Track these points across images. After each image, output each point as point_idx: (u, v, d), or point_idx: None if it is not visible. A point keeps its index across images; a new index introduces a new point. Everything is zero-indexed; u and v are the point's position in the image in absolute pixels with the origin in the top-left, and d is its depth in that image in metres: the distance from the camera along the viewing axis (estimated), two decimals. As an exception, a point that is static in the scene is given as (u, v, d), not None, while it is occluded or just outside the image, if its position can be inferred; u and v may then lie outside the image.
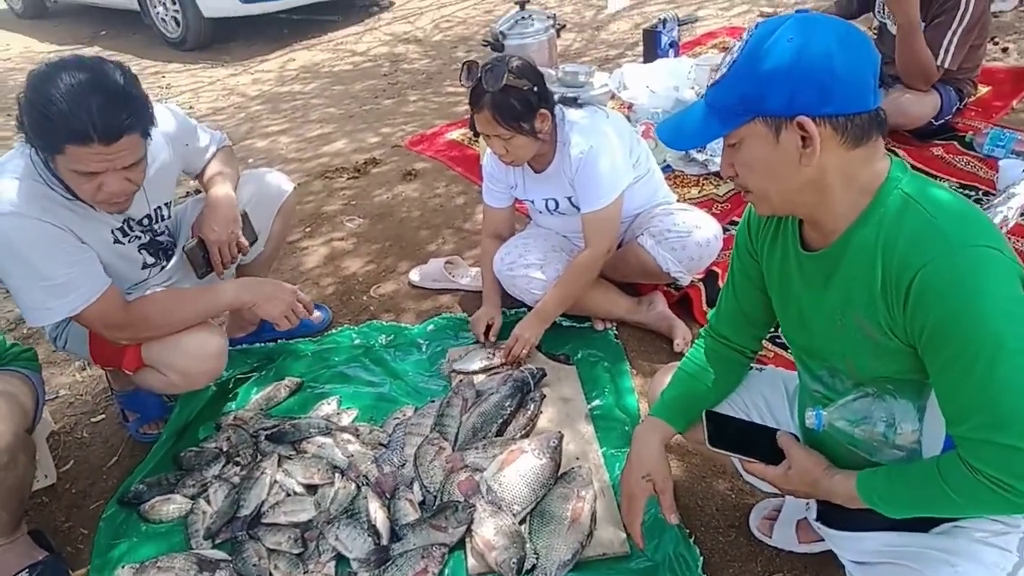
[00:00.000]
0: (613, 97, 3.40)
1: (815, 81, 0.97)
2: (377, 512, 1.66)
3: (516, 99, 1.91)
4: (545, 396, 1.95)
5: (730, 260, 1.38)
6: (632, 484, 1.35)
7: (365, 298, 2.54)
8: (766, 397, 1.42)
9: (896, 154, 1.09)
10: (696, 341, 1.47)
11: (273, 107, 4.94)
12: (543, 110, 1.96)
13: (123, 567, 1.66)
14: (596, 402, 1.96)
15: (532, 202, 2.23)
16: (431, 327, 2.34)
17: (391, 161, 3.58)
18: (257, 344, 2.36)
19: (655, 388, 1.51)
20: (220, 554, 1.67)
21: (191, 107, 5.26)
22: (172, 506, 1.80)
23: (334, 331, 2.37)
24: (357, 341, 2.31)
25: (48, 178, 1.64)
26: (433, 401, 1.98)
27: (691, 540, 1.55)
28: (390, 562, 1.57)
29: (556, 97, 2.08)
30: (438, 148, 3.60)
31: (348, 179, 3.46)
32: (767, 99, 1.00)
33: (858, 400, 1.10)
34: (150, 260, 1.91)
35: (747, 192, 1.12)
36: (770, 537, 1.56)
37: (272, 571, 1.60)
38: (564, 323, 2.25)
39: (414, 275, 2.58)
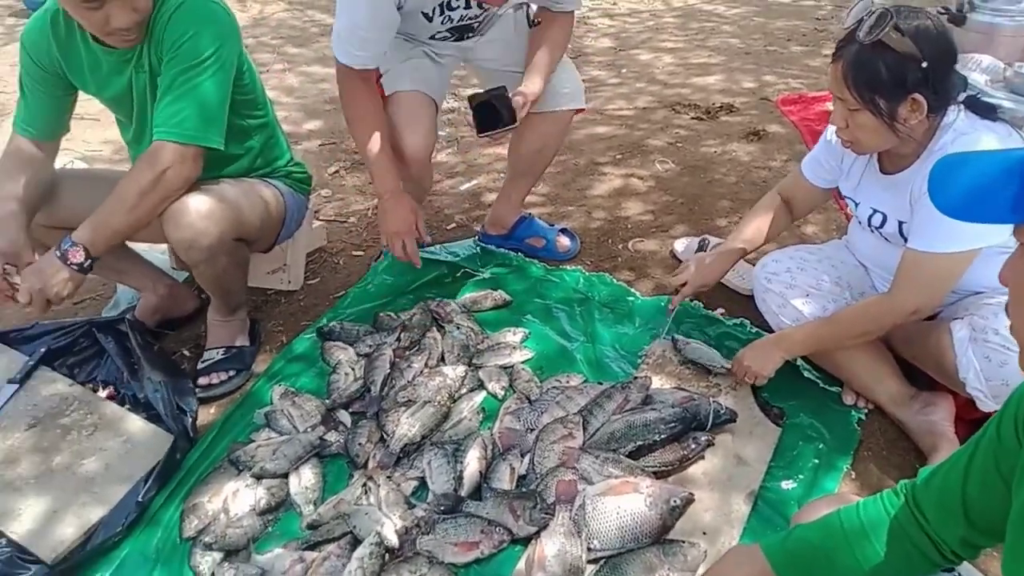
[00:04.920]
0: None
1: None
2: (473, 462, 1.56)
3: (887, 64, 1.40)
4: (713, 443, 1.58)
5: (979, 433, 0.89)
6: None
7: (620, 247, 2.33)
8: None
9: None
10: (884, 492, 1.00)
11: (683, 23, 4.70)
12: (919, 97, 1.42)
13: (280, 384, 1.85)
14: (778, 483, 1.54)
15: (855, 204, 1.72)
16: (662, 305, 2.05)
17: (748, 113, 3.15)
18: (501, 249, 2.34)
19: (803, 514, 1.10)
20: (346, 418, 1.75)
21: (614, 3, 5.28)
22: (343, 356, 1.93)
23: (568, 267, 2.23)
24: (580, 286, 2.14)
25: None
26: (601, 384, 1.75)
27: None
28: (453, 516, 1.47)
29: (963, 96, 1.51)
30: (807, 116, 3.04)
31: (692, 118, 3.14)
32: None
33: None
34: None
35: None
36: None
37: (368, 459, 1.63)
38: (806, 372, 1.78)
39: (679, 245, 2.27)
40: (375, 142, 1.86)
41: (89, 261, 1.58)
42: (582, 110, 2.13)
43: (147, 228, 1.66)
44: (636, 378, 1.73)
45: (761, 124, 3.05)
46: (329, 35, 4.47)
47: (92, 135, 3.19)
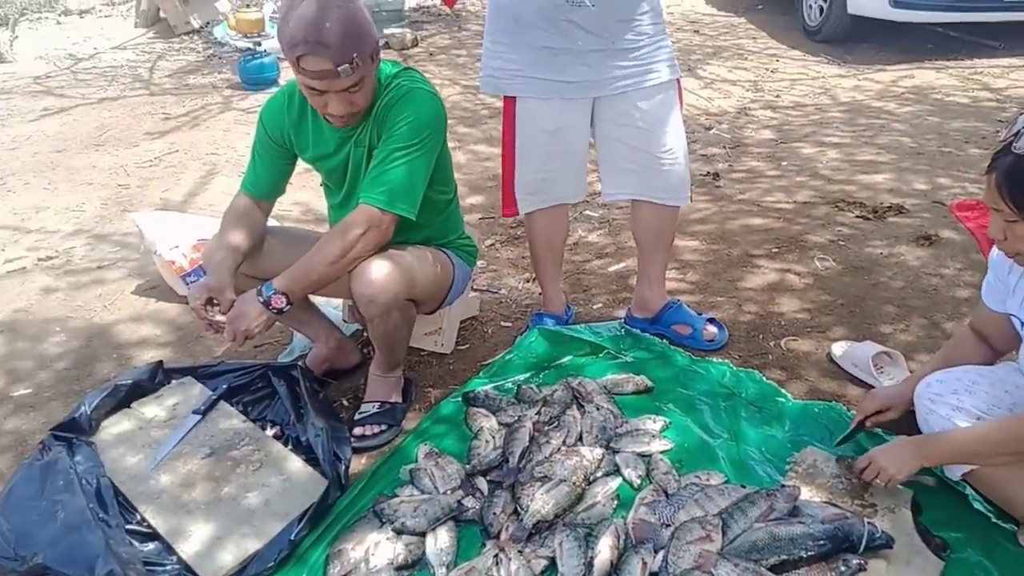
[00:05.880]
0: None
1: None
2: (605, 550, 1.55)
3: None
4: (866, 569, 1.47)
5: None
6: None
7: (772, 344, 2.27)
8: None
9: None
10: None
11: (850, 119, 4.57)
12: None
13: (426, 444, 1.94)
14: (939, 624, 1.40)
15: (1021, 324, 1.62)
16: (815, 411, 1.96)
17: (919, 215, 2.99)
18: (646, 333, 2.34)
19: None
20: (483, 485, 1.80)
21: (777, 95, 5.25)
22: (486, 423, 1.99)
23: (715, 359, 2.20)
24: (727, 380, 2.09)
25: None
26: (745, 487, 1.69)
27: None
28: (581, 603, 1.46)
29: None
30: (985, 223, 2.81)
31: (856, 216, 3.03)
32: None
33: None
34: None
35: None
36: None
37: (501, 530, 1.66)
38: (976, 504, 1.63)
39: (837, 348, 2.18)
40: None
41: (288, 306, 1.78)
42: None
43: (335, 282, 1.84)
44: (784, 486, 1.66)
45: (934, 228, 2.88)
46: (496, 117, 4.78)
47: (283, 197, 3.56)
